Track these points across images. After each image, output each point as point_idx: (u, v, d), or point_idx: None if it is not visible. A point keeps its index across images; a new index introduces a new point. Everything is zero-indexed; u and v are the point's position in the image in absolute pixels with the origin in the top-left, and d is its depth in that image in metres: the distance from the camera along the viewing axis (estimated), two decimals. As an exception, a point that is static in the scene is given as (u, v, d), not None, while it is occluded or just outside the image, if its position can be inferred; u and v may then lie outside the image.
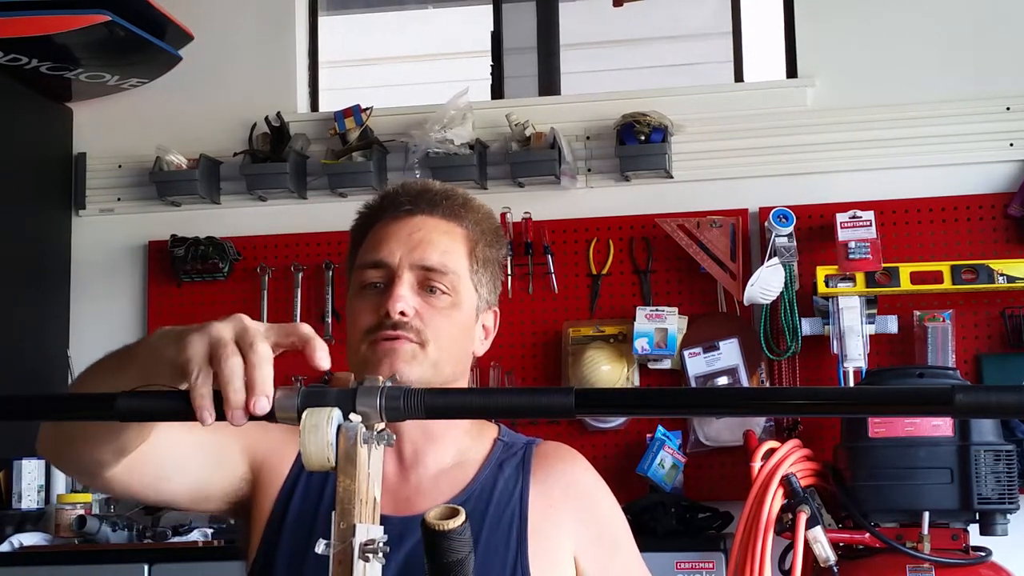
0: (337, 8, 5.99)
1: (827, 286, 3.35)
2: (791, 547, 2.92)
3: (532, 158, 3.64)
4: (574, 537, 1.48)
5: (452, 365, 1.46)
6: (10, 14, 3.45)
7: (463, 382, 1.53)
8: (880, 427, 2.89)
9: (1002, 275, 3.33)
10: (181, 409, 1.06)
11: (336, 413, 1.03)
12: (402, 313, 1.41)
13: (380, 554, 1.00)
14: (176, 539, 3.27)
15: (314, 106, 4.08)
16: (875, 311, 3.34)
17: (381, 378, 1.06)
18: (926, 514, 2.85)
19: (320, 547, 1.00)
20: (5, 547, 3.30)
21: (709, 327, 3.53)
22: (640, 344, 3.47)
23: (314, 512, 1.46)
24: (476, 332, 1.52)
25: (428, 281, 1.44)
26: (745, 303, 3.46)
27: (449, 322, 1.44)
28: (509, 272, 3.64)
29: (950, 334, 3.35)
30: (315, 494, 1.47)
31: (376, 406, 1.03)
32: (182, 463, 1.41)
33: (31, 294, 3.79)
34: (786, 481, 2.94)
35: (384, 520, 1.40)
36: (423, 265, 1.43)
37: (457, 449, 1.51)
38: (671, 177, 3.66)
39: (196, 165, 3.83)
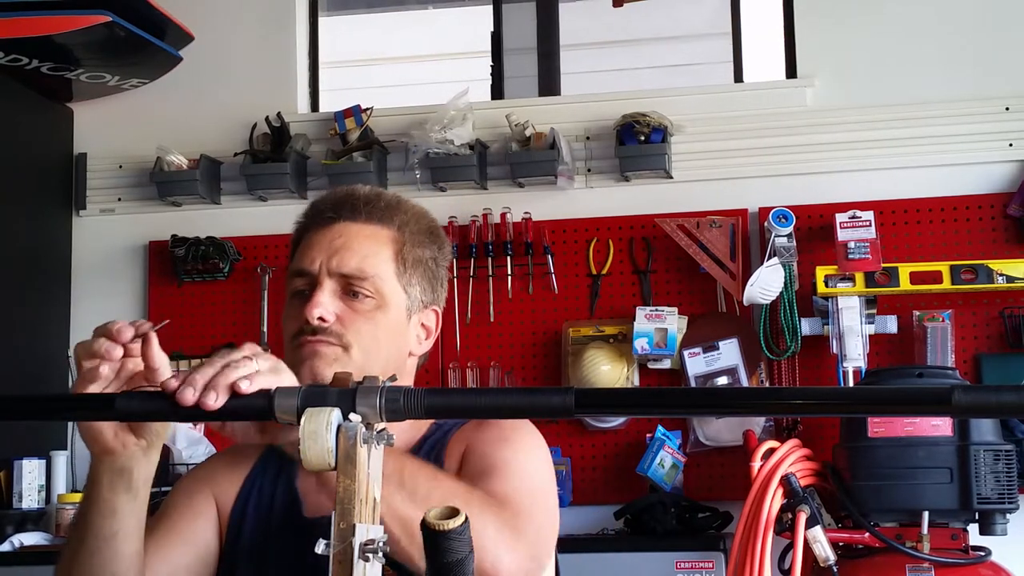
0: (337, 8, 5.98)
1: (827, 286, 3.35)
2: (791, 547, 2.92)
3: (532, 158, 3.63)
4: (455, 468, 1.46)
5: (381, 366, 1.45)
6: (10, 14, 3.45)
7: (405, 382, 1.53)
8: (879, 427, 2.89)
9: (1001, 275, 3.33)
10: (175, 408, 1.07)
11: (336, 413, 1.03)
12: (321, 319, 1.44)
13: (380, 554, 1.00)
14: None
15: (314, 106, 4.08)
16: (874, 311, 3.34)
17: (381, 377, 1.07)
18: (925, 514, 2.85)
19: (320, 547, 1.01)
20: (5, 547, 3.30)
21: (709, 327, 3.53)
22: (640, 344, 3.47)
23: (267, 519, 1.50)
24: (411, 332, 1.52)
25: (350, 286, 1.46)
26: (745, 303, 3.46)
27: (372, 325, 1.46)
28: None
29: (949, 334, 3.35)
30: (266, 503, 1.51)
31: (376, 406, 1.03)
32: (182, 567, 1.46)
33: (31, 294, 3.79)
34: (786, 481, 2.94)
35: (315, 522, 1.42)
36: (341, 272, 1.46)
37: None
38: (671, 177, 3.66)
39: (196, 165, 3.83)
